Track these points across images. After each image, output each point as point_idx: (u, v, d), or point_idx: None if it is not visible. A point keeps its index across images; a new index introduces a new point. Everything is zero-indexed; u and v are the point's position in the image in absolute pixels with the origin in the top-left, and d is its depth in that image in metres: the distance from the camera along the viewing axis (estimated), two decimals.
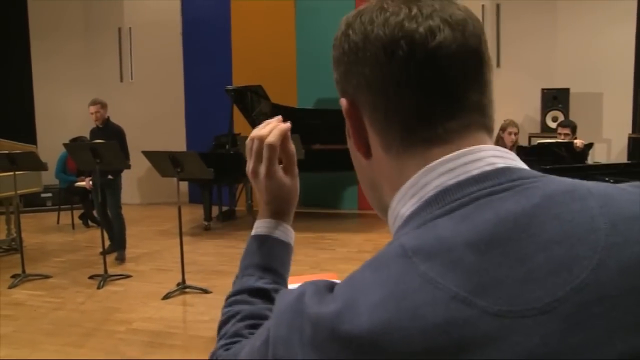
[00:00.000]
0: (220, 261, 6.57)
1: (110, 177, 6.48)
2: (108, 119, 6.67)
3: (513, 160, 0.60)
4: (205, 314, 4.81)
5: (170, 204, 8.51)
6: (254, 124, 8.65)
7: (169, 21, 10.66)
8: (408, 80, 0.59)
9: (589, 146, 6.48)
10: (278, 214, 0.98)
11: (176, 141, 10.17)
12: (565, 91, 8.58)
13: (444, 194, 0.57)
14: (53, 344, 4.27)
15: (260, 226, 0.98)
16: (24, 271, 5.92)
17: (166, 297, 5.26)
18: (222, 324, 0.90)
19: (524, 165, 0.61)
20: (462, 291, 0.49)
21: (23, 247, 6.26)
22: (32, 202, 9.75)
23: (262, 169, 0.96)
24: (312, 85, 9.74)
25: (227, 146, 8.38)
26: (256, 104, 8.56)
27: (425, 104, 0.60)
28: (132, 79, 10.76)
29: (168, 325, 4.61)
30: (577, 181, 0.57)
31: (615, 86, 8.61)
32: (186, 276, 5.46)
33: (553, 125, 8.43)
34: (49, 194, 9.83)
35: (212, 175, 5.67)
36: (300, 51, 9.88)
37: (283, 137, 0.98)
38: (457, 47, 0.60)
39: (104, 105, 6.61)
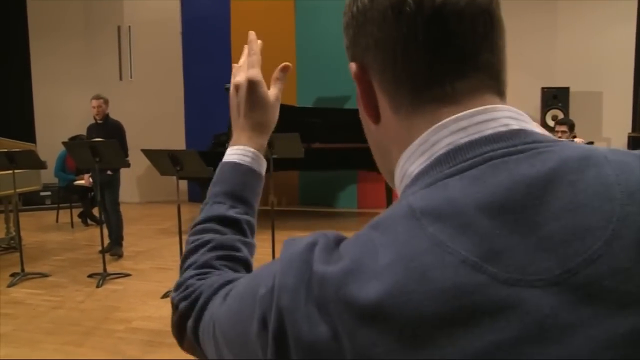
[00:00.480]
0: None
1: (109, 172, 6.51)
2: (108, 115, 6.72)
3: (527, 123, 0.59)
4: None
5: (169, 203, 8.52)
6: None
7: (169, 20, 10.65)
8: (416, 37, 0.58)
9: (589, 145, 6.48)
10: (254, 130, 0.96)
11: (176, 140, 10.18)
12: (565, 90, 8.58)
13: (456, 152, 0.56)
14: (52, 343, 4.27)
15: (233, 153, 0.95)
16: (23, 270, 5.91)
17: (165, 295, 5.25)
18: (189, 252, 0.86)
19: (539, 129, 0.60)
20: (472, 256, 0.48)
21: (22, 245, 6.25)
22: (31, 201, 9.76)
23: (244, 74, 0.97)
24: (312, 84, 9.75)
25: (226, 145, 8.35)
26: None
27: (433, 62, 0.59)
28: (131, 77, 10.76)
29: (167, 324, 4.56)
30: (593, 147, 0.56)
31: (615, 85, 8.61)
32: None
33: (553, 124, 8.44)
34: (48, 193, 9.83)
35: (211, 174, 5.64)
36: (299, 50, 9.88)
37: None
38: (466, 4, 0.59)
39: (106, 101, 6.71)
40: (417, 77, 0.59)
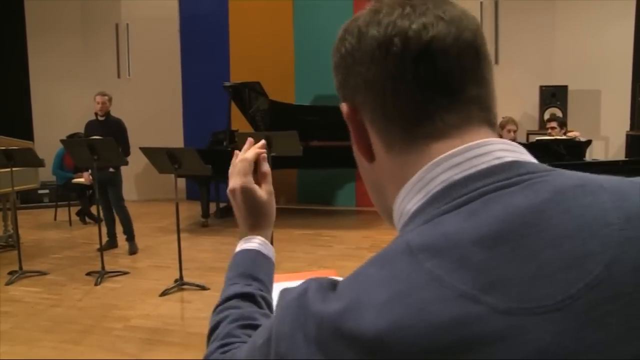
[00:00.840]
0: (218, 258, 6.57)
1: (111, 170, 6.52)
2: (109, 112, 6.74)
3: (522, 154, 0.59)
4: (203, 311, 4.80)
5: (167, 201, 8.52)
6: (252, 120, 8.66)
7: (167, 17, 10.63)
8: (404, 75, 0.59)
9: (587, 143, 6.52)
10: (256, 229, 1.02)
11: (174, 137, 10.16)
12: (564, 88, 8.58)
13: (451, 188, 0.56)
14: (51, 341, 4.27)
15: (242, 244, 1.02)
16: (21, 268, 5.91)
17: (164, 293, 5.25)
18: (212, 329, 0.90)
19: (533, 159, 0.60)
20: (469, 289, 0.48)
21: (20, 243, 6.24)
22: (29, 199, 9.74)
23: (237, 182, 1.01)
24: (310, 82, 9.73)
25: (224, 142, 8.36)
26: (254, 101, 8.55)
27: (422, 98, 0.59)
28: (129, 75, 10.74)
29: (166, 322, 4.61)
30: (587, 175, 0.56)
31: (614, 84, 8.61)
32: (184, 273, 5.46)
33: None
34: (46, 191, 9.81)
35: (209, 172, 5.66)
36: (298, 48, 9.87)
37: (257, 156, 1.06)
38: (452, 40, 0.60)
39: (110, 99, 6.74)
40: (407, 114, 0.60)
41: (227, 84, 8.45)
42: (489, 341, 0.46)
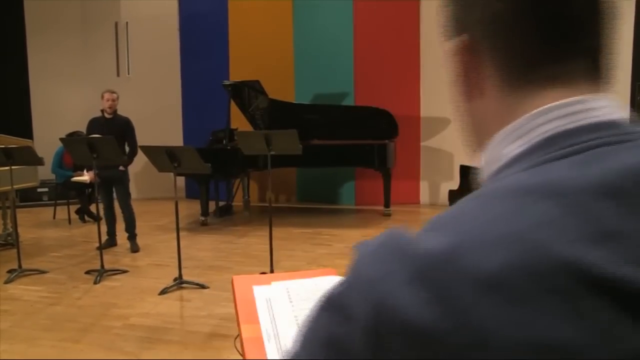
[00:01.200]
0: (218, 256, 6.57)
1: (122, 168, 6.55)
2: (116, 110, 6.73)
3: (627, 113, 0.59)
4: (203, 309, 4.80)
5: (167, 199, 8.52)
6: (252, 119, 8.66)
7: (166, 16, 10.63)
8: (537, 14, 0.58)
9: None
10: None
11: (173, 136, 10.17)
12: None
13: (556, 138, 0.55)
14: (50, 340, 4.27)
15: None
16: (20, 266, 5.91)
17: (163, 292, 5.25)
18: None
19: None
20: (584, 235, 0.46)
21: (19, 242, 6.24)
22: (29, 197, 9.75)
23: None
24: (310, 81, 9.74)
25: (224, 141, 8.36)
26: (253, 99, 8.55)
27: (547, 43, 0.58)
28: (129, 73, 10.74)
29: (165, 320, 4.61)
30: None
31: (613, 83, 8.61)
32: (183, 271, 5.46)
33: None
34: (45, 189, 9.81)
35: (209, 171, 5.66)
36: (297, 47, 9.87)
37: None
38: None
39: (118, 97, 6.72)
40: (531, 55, 0.59)
41: (226, 82, 8.45)
42: (605, 288, 0.44)
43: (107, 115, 6.63)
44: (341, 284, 0.53)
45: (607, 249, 0.45)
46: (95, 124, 6.61)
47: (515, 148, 0.57)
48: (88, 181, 8.19)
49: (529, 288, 0.44)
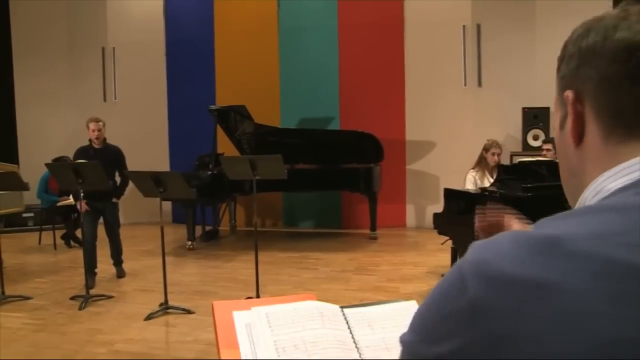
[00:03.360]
0: (204, 281, 6.55)
1: (115, 200, 6.54)
2: (105, 139, 6.53)
3: None
4: (188, 335, 4.78)
5: (153, 224, 8.48)
6: (238, 143, 8.69)
7: (153, 41, 10.69)
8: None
9: None
10: None
11: (160, 161, 10.17)
12: (546, 110, 8.71)
13: None
14: None
15: None
16: (3, 292, 5.86)
17: (149, 317, 5.22)
18: None
19: None
20: None
21: (3, 267, 6.19)
22: (13, 222, 9.68)
23: None
24: (295, 105, 9.81)
25: (210, 166, 8.38)
26: (239, 124, 8.59)
27: None
28: (115, 98, 10.76)
29: (150, 346, 4.58)
30: None
31: None
32: (169, 296, 5.44)
33: (534, 143, 8.56)
34: (31, 214, 9.75)
35: (194, 196, 5.67)
36: (283, 71, 9.95)
37: None
38: None
39: (104, 124, 6.46)
40: (634, 113, 0.68)
41: (212, 107, 8.49)
42: None
43: (95, 146, 6.42)
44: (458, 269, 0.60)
45: None
46: (84, 154, 6.32)
47: (620, 183, 0.67)
48: (74, 203, 8.15)
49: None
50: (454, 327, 0.56)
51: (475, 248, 0.60)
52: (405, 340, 0.62)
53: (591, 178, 0.72)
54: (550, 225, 0.60)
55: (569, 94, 0.73)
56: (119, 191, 6.59)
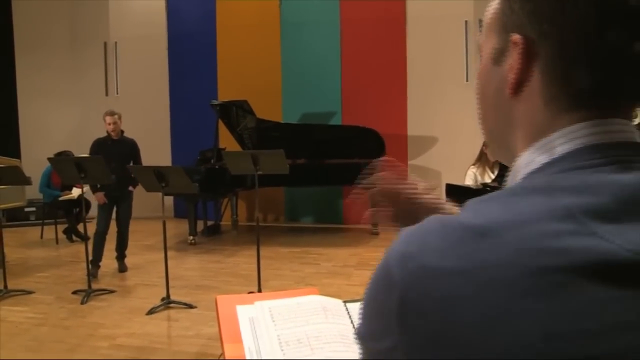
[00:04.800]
0: (205, 276, 6.56)
1: (131, 188, 6.56)
2: (122, 131, 6.70)
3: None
4: (190, 329, 4.79)
5: (155, 219, 8.49)
6: (240, 138, 8.69)
7: (155, 35, 10.69)
8: (607, 43, 0.58)
9: None
10: None
11: (162, 155, 10.17)
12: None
13: (586, 150, 0.59)
14: None
15: None
16: (6, 287, 5.87)
17: (150, 312, 5.23)
18: None
19: None
20: (605, 232, 0.51)
21: (5, 262, 6.21)
22: (15, 217, 9.70)
23: None
24: (297, 100, 9.81)
25: (212, 161, 8.38)
26: (241, 119, 8.59)
27: (611, 75, 0.59)
28: (117, 93, 10.76)
29: (152, 340, 4.59)
30: None
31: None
32: (171, 291, 5.45)
33: None
34: (33, 209, 9.77)
35: (196, 190, 5.68)
36: (285, 66, 9.95)
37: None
38: None
39: (120, 117, 6.65)
40: (589, 83, 0.60)
41: (214, 102, 8.50)
42: (621, 276, 0.49)
43: (113, 138, 6.59)
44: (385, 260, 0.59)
45: (619, 241, 0.50)
46: (102, 146, 6.50)
47: (549, 156, 0.61)
48: (76, 198, 8.17)
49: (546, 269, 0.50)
50: (386, 325, 0.54)
51: (402, 238, 0.58)
52: (356, 333, 0.61)
53: (518, 137, 0.66)
54: (479, 211, 0.56)
55: (518, 37, 0.62)
56: (135, 181, 6.62)
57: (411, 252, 0.55)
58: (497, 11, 0.68)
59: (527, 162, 0.64)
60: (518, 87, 0.64)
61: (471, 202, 0.59)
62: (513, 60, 0.64)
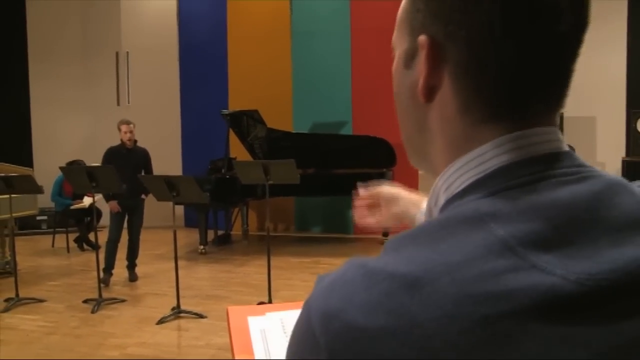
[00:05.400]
0: (216, 286, 6.55)
1: (143, 196, 6.58)
2: (136, 141, 6.75)
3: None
4: (200, 339, 4.79)
5: (165, 228, 8.51)
6: (250, 148, 8.70)
7: (166, 45, 10.75)
8: (518, 52, 0.54)
9: None
10: None
11: (172, 165, 10.20)
12: (559, 116, 8.67)
13: (512, 167, 0.55)
14: None
15: None
16: (17, 295, 5.89)
17: (161, 321, 5.23)
18: None
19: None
20: (544, 263, 0.47)
21: (17, 270, 6.23)
22: (27, 225, 9.75)
23: None
24: (308, 110, 9.81)
25: (223, 170, 8.39)
26: (252, 128, 8.61)
27: (524, 81, 0.56)
28: (129, 102, 10.82)
29: (162, 350, 4.59)
30: (622, 178, 0.58)
31: (608, 110, 8.70)
32: (181, 301, 5.45)
33: None
34: (44, 217, 9.81)
35: (207, 200, 5.69)
36: (296, 76, 9.96)
37: None
38: (571, 27, 0.59)
39: (134, 126, 6.72)
40: (502, 89, 0.56)
41: (225, 111, 8.51)
42: (566, 309, 0.46)
43: (128, 147, 6.64)
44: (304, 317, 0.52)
45: (559, 272, 0.47)
46: (115, 155, 6.55)
47: (470, 177, 0.56)
48: (87, 206, 8.20)
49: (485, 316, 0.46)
50: None
51: (322, 291, 0.52)
52: None
53: (437, 147, 0.61)
54: (404, 254, 0.51)
55: (424, 42, 0.58)
56: (147, 189, 6.65)
57: (333, 310, 0.48)
58: (404, 10, 0.65)
59: (449, 182, 0.59)
60: (429, 93, 0.59)
61: (395, 241, 0.54)
62: (421, 63, 0.59)
